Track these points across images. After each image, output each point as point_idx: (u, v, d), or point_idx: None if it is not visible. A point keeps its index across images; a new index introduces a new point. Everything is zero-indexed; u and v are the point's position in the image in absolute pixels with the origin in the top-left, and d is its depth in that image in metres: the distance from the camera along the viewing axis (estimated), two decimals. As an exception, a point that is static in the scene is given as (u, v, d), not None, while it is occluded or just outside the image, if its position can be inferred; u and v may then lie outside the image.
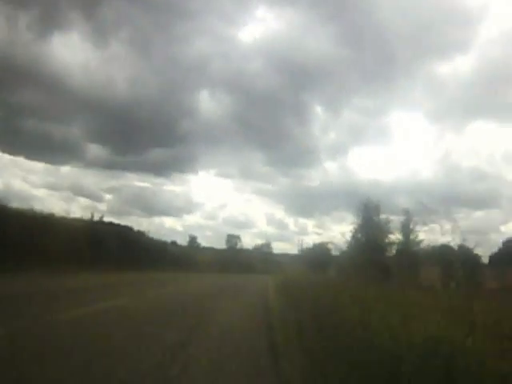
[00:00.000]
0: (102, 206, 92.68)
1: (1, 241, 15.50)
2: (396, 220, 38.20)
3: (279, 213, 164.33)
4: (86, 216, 28.42)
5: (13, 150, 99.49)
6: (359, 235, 39.59)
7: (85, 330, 7.49)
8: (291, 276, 30.34)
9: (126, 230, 33.05)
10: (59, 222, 20.84)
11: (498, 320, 6.54)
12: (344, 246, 43.87)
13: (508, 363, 4.03)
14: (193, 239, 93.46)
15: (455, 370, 4.07)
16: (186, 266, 41.55)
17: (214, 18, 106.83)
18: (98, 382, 4.83)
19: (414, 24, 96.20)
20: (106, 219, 38.71)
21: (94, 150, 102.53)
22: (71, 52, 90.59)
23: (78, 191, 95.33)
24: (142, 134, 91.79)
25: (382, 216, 38.39)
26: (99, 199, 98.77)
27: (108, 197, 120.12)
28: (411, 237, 37.31)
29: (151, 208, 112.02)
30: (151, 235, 43.04)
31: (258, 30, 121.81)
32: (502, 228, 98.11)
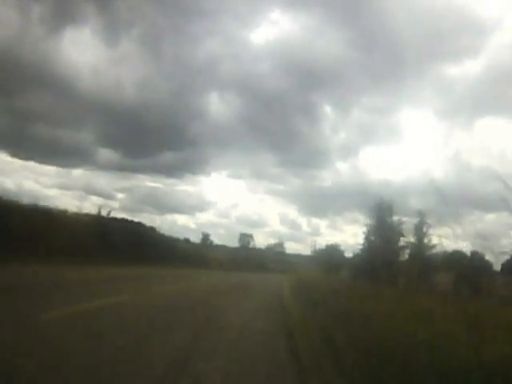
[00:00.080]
0: (115, 204, 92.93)
1: (5, 234, 15.45)
2: (409, 222, 37.55)
3: (292, 213, 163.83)
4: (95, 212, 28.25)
5: (24, 154, 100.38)
6: (372, 237, 39.05)
7: (60, 336, 6.19)
8: (306, 277, 29.71)
9: (134, 225, 33.01)
10: (64, 216, 20.79)
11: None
12: (357, 248, 43.59)
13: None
14: (205, 237, 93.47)
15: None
16: (196, 263, 41.34)
17: (227, 19, 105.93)
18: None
19: (426, 29, 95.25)
20: (119, 215, 38.91)
21: (106, 154, 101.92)
22: (82, 50, 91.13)
23: (91, 191, 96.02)
24: (152, 136, 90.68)
25: (395, 217, 37.78)
26: (112, 197, 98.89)
27: (120, 195, 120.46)
28: (425, 240, 36.64)
29: (163, 206, 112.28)
30: (163, 232, 43.14)
31: (270, 32, 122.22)
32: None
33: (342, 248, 65.97)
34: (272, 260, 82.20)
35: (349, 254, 55.38)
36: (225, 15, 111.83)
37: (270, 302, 14.49)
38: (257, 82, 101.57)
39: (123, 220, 33.57)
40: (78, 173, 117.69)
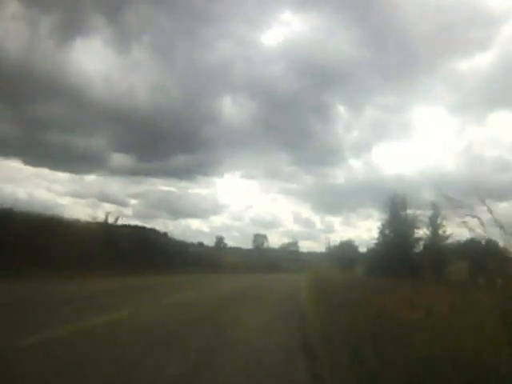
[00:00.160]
0: (128, 211, 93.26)
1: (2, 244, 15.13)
2: (423, 214, 37.18)
3: (305, 211, 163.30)
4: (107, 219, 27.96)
5: (36, 162, 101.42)
6: (387, 231, 38.68)
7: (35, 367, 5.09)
8: (322, 276, 28.95)
9: (144, 232, 32.75)
10: (69, 225, 20.52)
11: None
12: (371, 243, 43.21)
13: None
14: (219, 240, 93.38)
15: None
16: (210, 267, 40.96)
17: (237, 22, 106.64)
18: None
19: (435, 24, 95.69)
20: (132, 223, 38.75)
21: (119, 158, 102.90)
22: (93, 59, 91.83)
23: (104, 197, 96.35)
24: (165, 140, 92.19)
25: (409, 211, 37.43)
26: (125, 204, 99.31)
27: (133, 201, 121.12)
28: (439, 231, 36.23)
29: (177, 211, 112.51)
30: (176, 237, 42.84)
31: (282, 33, 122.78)
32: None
33: (357, 243, 65.55)
34: (286, 259, 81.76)
35: (363, 249, 55.09)
36: (235, 18, 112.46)
37: (285, 310, 12.94)
38: (269, 83, 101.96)
39: (132, 227, 33.41)
40: (90, 179, 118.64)
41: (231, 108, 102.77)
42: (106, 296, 12.52)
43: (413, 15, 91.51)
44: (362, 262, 47.61)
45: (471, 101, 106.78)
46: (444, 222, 36.20)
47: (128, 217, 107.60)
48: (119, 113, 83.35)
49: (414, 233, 37.15)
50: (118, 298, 12.16)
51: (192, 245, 54.38)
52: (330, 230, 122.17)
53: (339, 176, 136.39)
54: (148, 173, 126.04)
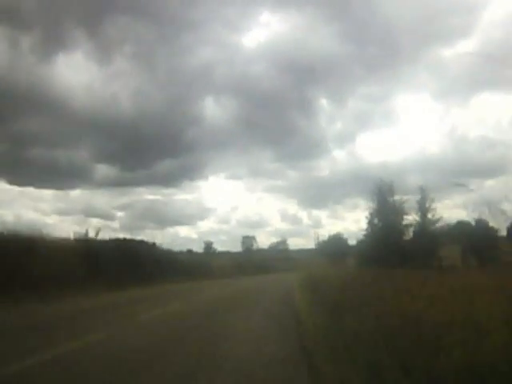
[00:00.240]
0: (115, 224, 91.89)
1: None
2: (411, 199, 36.84)
3: (292, 207, 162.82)
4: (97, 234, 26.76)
5: (21, 180, 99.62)
6: (375, 220, 38.20)
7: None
8: (315, 273, 28.06)
9: (128, 244, 31.71)
10: (46, 244, 19.46)
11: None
12: (360, 235, 42.74)
13: None
14: (208, 245, 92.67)
15: None
16: (200, 274, 40.04)
17: (217, 26, 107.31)
18: None
19: (417, 12, 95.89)
20: (120, 235, 37.59)
21: (103, 170, 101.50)
22: (75, 72, 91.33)
23: (90, 213, 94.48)
24: (149, 147, 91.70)
25: (396, 197, 36.99)
26: (111, 217, 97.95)
27: (120, 214, 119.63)
28: (428, 215, 35.91)
29: (164, 219, 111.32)
30: (165, 246, 41.91)
31: (262, 34, 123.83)
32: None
33: (346, 236, 65.43)
34: (276, 259, 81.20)
35: (353, 242, 54.79)
36: (215, 22, 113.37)
37: (280, 316, 11.62)
38: (251, 83, 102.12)
39: (118, 239, 32.28)
40: (75, 194, 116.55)
41: (214, 110, 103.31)
42: (82, 317, 11.45)
43: (393, 5, 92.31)
44: (353, 255, 47.22)
45: (454, 86, 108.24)
46: (433, 206, 35.96)
47: (115, 230, 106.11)
48: (102, 123, 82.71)
49: (402, 219, 36.70)
50: (94, 319, 11.10)
51: (180, 253, 53.36)
52: (317, 224, 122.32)
53: (324, 168, 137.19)
54: (133, 182, 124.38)
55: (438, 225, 36.09)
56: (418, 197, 36.60)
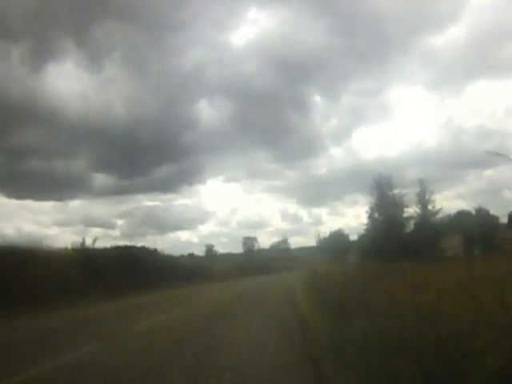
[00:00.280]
0: (116, 232, 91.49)
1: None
2: (411, 192, 36.77)
3: (292, 207, 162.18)
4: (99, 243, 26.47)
5: (19, 193, 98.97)
6: (376, 214, 38.08)
7: None
8: (318, 272, 27.26)
9: (128, 251, 31.40)
10: (42, 255, 19.13)
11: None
12: (361, 229, 42.59)
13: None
14: (209, 248, 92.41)
15: None
16: (201, 278, 39.75)
17: (205, 27, 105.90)
18: None
19: (404, 3, 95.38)
20: (121, 243, 37.30)
21: (100, 178, 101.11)
22: (67, 82, 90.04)
23: (90, 222, 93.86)
24: (145, 154, 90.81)
25: (396, 191, 36.89)
26: (112, 226, 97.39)
27: (120, 222, 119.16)
28: (429, 207, 35.86)
29: (164, 225, 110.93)
30: (167, 252, 41.72)
31: (250, 31, 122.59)
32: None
33: (347, 232, 65.20)
34: (278, 258, 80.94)
35: (354, 237, 54.60)
36: (202, 23, 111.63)
37: (283, 319, 10.95)
38: (244, 82, 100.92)
39: (118, 247, 32.05)
40: (74, 204, 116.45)
41: (208, 112, 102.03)
42: (77, 328, 11.03)
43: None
44: (355, 250, 47.03)
45: (448, 75, 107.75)
46: (432, 197, 35.90)
47: (116, 238, 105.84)
48: (97, 132, 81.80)
49: (403, 212, 36.68)
50: (90, 329, 10.69)
51: (181, 257, 53.16)
52: (318, 222, 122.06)
53: (321, 166, 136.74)
54: (131, 190, 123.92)
55: (439, 216, 36.06)
56: (417, 189, 36.58)
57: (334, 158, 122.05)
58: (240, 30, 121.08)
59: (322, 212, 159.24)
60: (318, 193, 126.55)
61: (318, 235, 74.06)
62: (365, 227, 40.27)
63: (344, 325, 6.64)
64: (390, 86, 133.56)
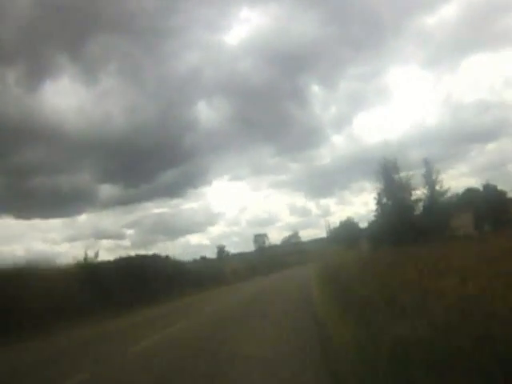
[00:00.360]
0: (126, 242, 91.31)
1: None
2: (417, 174, 36.05)
3: (299, 200, 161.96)
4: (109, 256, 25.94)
5: (27, 213, 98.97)
6: (384, 199, 37.45)
7: None
8: (331, 264, 26.05)
9: (133, 261, 30.76)
10: (41, 274, 18.48)
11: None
12: (371, 216, 41.97)
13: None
14: (221, 249, 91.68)
15: None
16: (212, 282, 39.04)
17: (198, 29, 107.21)
18: None
19: None
20: (131, 253, 36.55)
21: (106, 190, 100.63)
22: (64, 98, 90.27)
23: (100, 235, 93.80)
24: (149, 160, 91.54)
25: (402, 174, 36.17)
26: (121, 236, 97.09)
27: (129, 232, 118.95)
28: (436, 187, 35.13)
29: (174, 230, 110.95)
30: (178, 257, 41.11)
31: (243, 30, 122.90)
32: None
33: (356, 220, 64.46)
34: (290, 253, 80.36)
35: (364, 225, 53.86)
36: (196, 26, 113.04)
37: (298, 326, 10.04)
38: (240, 80, 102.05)
39: (121, 258, 31.36)
40: (82, 219, 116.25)
41: (207, 113, 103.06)
42: (66, 355, 10.25)
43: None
44: (366, 238, 46.38)
45: (443, 52, 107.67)
46: (439, 177, 35.16)
47: (127, 248, 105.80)
48: (98, 144, 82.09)
49: (411, 195, 36.02)
50: (82, 355, 9.99)
51: (191, 262, 52.46)
52: (327, 213, 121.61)
53: (325, 156, 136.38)
54: (138, 198, 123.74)
55: (447, 195, 35.31)
56: (422, 171, 35.85)
57: (336, 146, 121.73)
58: (233, 30, 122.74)
59: (329, 202, 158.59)
60: (324, 183, 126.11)
61: (328, 226, 73.66)
62: (374, 214, 39.83)
63: (374, 332, 5.59)
64: (387, 68, 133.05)
